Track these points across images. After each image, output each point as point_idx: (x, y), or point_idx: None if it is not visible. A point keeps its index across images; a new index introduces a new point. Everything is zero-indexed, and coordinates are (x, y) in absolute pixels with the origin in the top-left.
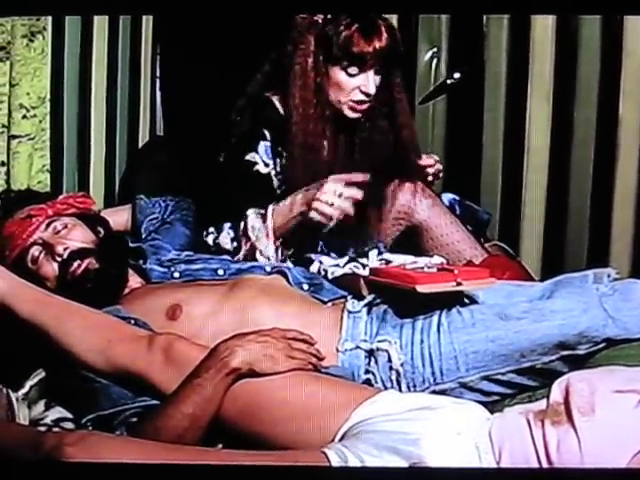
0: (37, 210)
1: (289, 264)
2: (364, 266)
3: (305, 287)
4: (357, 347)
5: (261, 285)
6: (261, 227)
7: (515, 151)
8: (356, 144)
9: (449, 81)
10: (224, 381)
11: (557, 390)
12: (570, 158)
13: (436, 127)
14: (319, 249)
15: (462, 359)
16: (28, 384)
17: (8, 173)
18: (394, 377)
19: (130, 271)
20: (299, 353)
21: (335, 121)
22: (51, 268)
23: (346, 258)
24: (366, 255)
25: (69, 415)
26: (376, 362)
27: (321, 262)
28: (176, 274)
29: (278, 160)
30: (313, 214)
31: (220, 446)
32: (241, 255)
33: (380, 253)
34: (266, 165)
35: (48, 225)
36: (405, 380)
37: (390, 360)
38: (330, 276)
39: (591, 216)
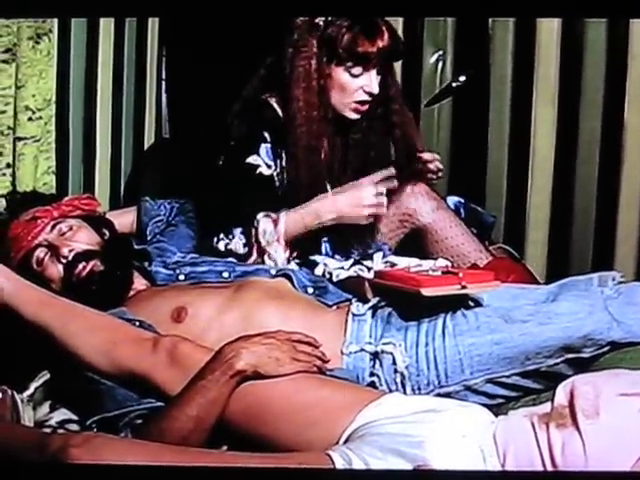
0: (42, 212)
1: (294, 266)
2: (369, 269)
3: (310, 290)
4: (362, 350)
5: (266, 288)
6: (272, 231)
7: (520, 154)
8: (351, 145)
9: (454, 84)
10: (229, 383)
11: (562, 393)
12: (575, 161)
13: (441, 130)
14: (324, 252)
15: (467, 362)
16: (33, 386)
17: (14, 175)
18: (399, 380)
19: (135, 273)
20: (304, 355)
21: (335, 123)
22: (56, 270)
23: (351, 261)
24: (371, 258)
25: (74, 417)
26: (381, 365)
27: (326, 265)
28: (181, 276)
29: (279, 161)
30: (361, 219)
31: (225, 448)
32: (252, 260)
33: (385, 256)
34: (269, 167)
35: (53, 227)
36: (410, 383)
37: (395, 363)
38: (335, 279)
39: (596, 219)
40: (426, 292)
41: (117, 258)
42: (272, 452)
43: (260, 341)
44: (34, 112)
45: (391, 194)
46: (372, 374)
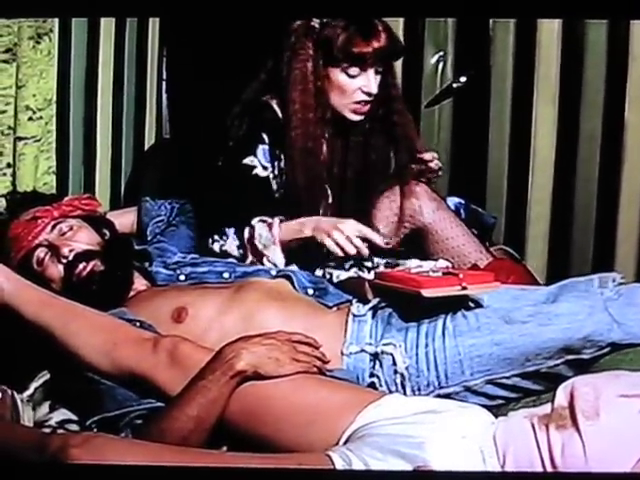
0: (43, 212)
1: (294, 267)
2: (369, 270)
3: (310, 292)
4: (362, 350)
5: (266, 288)
6: (268, 235)
7: (521, 154)
8: (351, 147)
9: (455, 85)
10: (229, 383)
11: (562, 394)
12: (576, 162)
13: (442, 130)
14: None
15: (467, 363)
16: (33, 386)
17: (14, 175)
18: (399, 380)
19: (136, 273)
20: (304, 356)
21: (335, 125)
22: (56, 270)
23: (351, 261)
24: (371, 259)
25: (74, 417)
26: (381, 365)
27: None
28: (182, 277)
29: (277, 163)
30: (328, 242)
31: (225, 448)
32: (249, 262)
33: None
34: (264, 168)
35: (54, 227)
36: (410, 383)
37: (395, 363)
38: (335, 279)
39: (596, 220)
40: (426, 293)
41: (117, 258)
42: (272, 452)
43: (260, 341)
44: (35, 112)
45: (392, 195)
46: (372, 375)
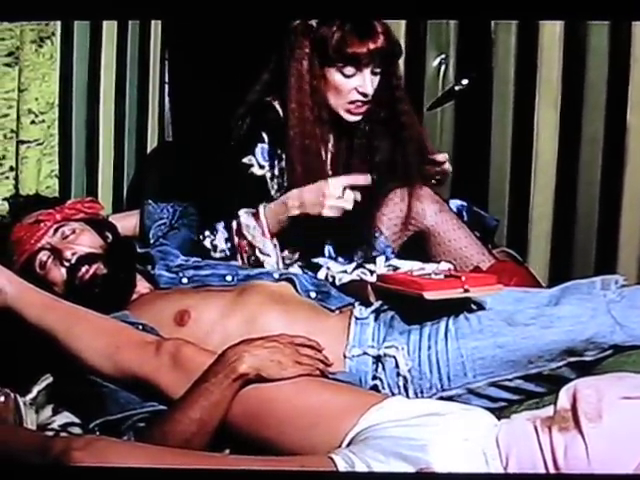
0: (45, 215)
1: (297, 270)
2: (371, 272)
3: (313, 295)
4: (364, 353)
5: (269, 292)
6: (255, 225)
7: (523, 157)
8: (355, 149)
9: (457, 87)
10: (232, 386)
11: (564, 396)
12: (578, 164)
13: (444, 133)
14: (327, 254)
15: (469, 365)
16: (36, 389)
17: (17, 178)
18: (401, 383)
19: (138, 276)
20: (307, 359)
21: (336, 126)
22: (59, 273)
23: (354, 264)
24: (373, 261)
25: (76, 420)
26: (383, 368)
27: (329, 268)
28: (184, 280)
29: (276, 163)
30: (326, 211)
31: (227, 451)
32: (239, 256)
33: (387, 259)
34: (261, 167)
35: (56, 230)
36: (412, 386)
37: (397, 366)
38: (338, 282)
39: (599, 222)
40: (429, 296)
41: (120, 261)
42: (275, 455)
43: (263, 344)
44: (37, 115)
45: (395, 197)
46: (375, 377)
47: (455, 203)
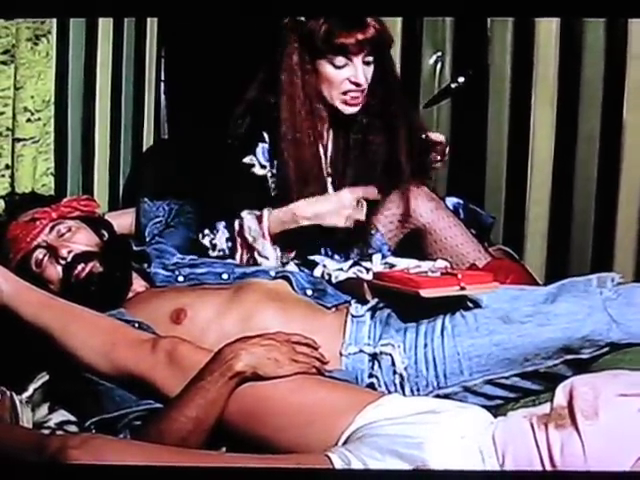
0: (41, 213)
1: (293, 268)
2: (368, 270)
3: (309, 292)
4: (361, 351)
5: (265, 290)
6: (257, 228)
7: (519, 155)
8: (352, 143)
9: (453, 85)
10: (228, 384)
11: (561, 394)
12: (574, 161)
13: (440, 131)
14: (323, 252)
15: (466, 363)
16: (32, 387)
17: (12, 176)
18: (398, 381)
19: (134, 275)
20: (303, 357)
21: (333, 120)
22: (55, 271)
23: (350, 262)
24: (370, 259)
25: (73, 418)
26: (380, 366)
27: (325, 266)
28: (180, 278)
29: (276, 162)
30: (344, 221)
31: (224, 449)
32: (238, 256)
33: (384, 257)
34: (262, 167)
35: (52, 228)
36: (409, 384)
37: (394, 364)
38: (334, 280)
39: (595, 220)
40: (425, 293)
41: (116, 259)
42: (271, 453)
43: (259, 342)
44: (33, 113)
45: (391, 195)
46: (371, 375)
47: (451, 201)
